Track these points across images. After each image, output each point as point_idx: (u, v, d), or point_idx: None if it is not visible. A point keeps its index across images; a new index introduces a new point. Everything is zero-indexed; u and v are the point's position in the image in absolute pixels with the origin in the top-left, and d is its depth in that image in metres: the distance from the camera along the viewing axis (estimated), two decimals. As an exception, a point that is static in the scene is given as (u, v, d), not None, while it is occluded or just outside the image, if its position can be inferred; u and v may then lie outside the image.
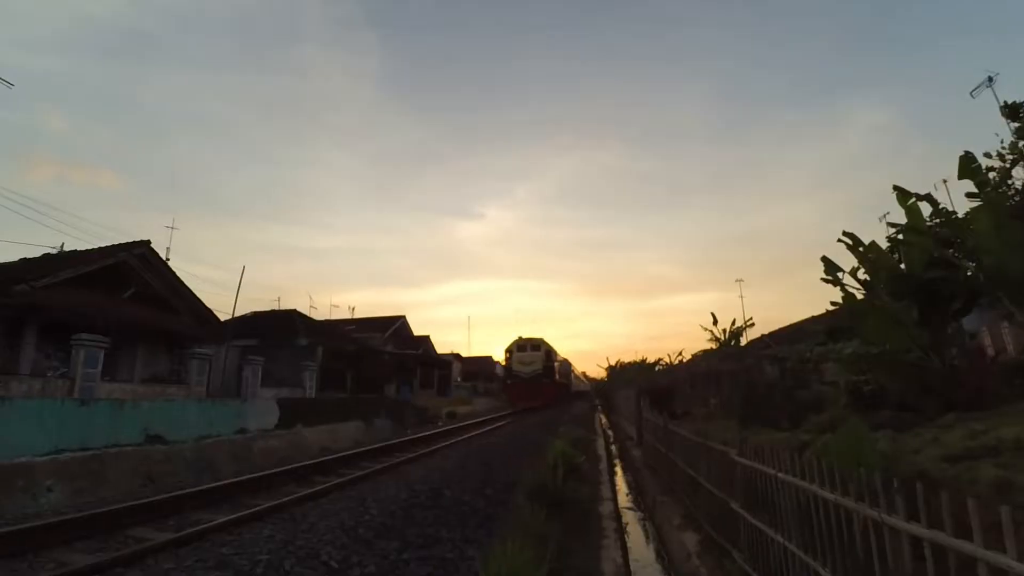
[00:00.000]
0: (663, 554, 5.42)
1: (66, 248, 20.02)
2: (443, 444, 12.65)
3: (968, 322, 6.53)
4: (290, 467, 8.58)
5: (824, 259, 6.36)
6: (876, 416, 4.62)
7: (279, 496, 6.71)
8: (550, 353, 33.11)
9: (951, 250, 5.77)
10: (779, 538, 3.15)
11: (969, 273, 5.51)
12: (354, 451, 10.60)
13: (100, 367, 16.20)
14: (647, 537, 6.27)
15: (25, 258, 19.19)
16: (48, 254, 19.57)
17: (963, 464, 2.80)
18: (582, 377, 63.02)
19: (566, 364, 41.77)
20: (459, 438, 14.25)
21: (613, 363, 52.28)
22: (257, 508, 5.95)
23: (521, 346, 32.81)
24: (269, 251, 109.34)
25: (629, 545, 5.70)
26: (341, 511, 5.72)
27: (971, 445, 3.05)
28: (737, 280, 46.29)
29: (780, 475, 3.13)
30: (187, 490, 6.68)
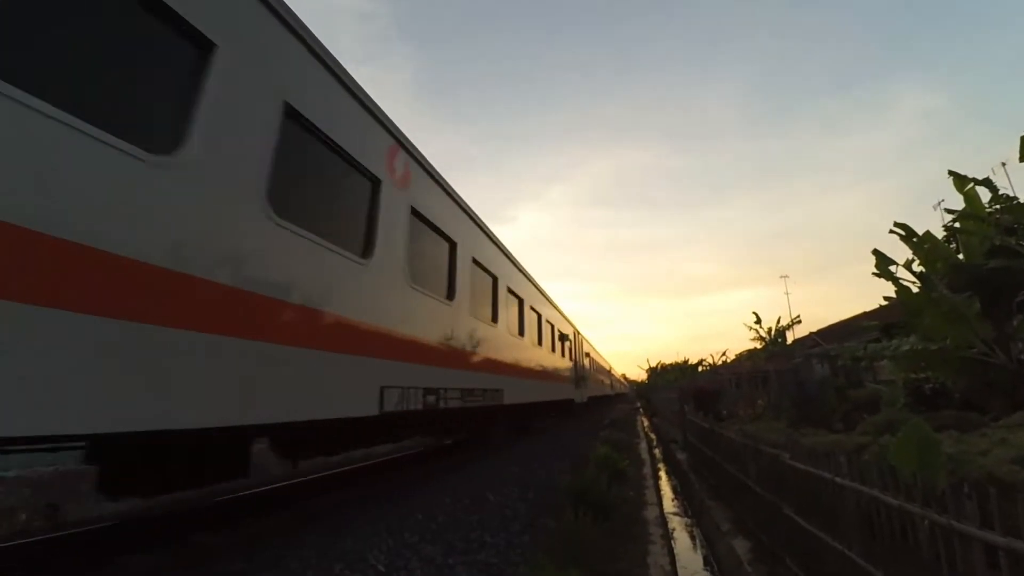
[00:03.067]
0: (712, 561, 5.28)
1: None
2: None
3: (1036, 314, 6.13)
4: (341, 469, 8.77)
5: (875, 252, 6.10)
6: (938, 416, 4.39)
7: (326, 502, 6.85)
8: None
9: (1014, 237, 5.44)
10: (837, 545, 3.02)
11: (1035, 261, 5.19)
12: (396, 455, 10.75)
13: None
14: (695, 543, 6.12)
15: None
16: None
17: (1037, 466, 2.63)
18: (622, 379, 62.13)
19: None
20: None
21: (654, 365, 51.37)
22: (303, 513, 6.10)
23: None
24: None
25: (676, 552, 5.57)
26: (388, 515, 5.79)
27: (1045, 446, 2.86)
28: (782, 276, 44.94)
29: (838, 479, 3.01)
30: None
